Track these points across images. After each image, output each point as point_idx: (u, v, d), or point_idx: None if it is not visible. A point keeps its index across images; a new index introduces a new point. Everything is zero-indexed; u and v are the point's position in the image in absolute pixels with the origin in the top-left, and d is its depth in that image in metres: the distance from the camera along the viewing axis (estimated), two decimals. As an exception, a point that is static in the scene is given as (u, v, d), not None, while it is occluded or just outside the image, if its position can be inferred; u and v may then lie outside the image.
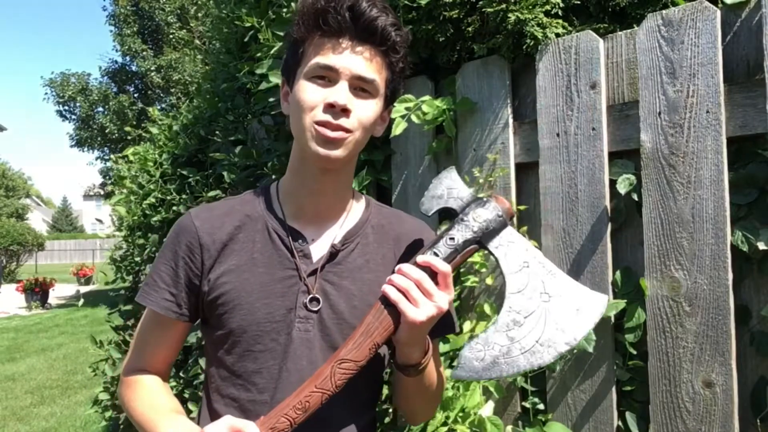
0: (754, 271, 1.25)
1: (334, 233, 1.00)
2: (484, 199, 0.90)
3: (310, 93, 0.90)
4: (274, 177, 2.02)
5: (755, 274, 1.25)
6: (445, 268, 0.85)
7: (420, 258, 0.86)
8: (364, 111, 0.91)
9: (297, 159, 0.98)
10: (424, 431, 1.36)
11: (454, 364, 0.87)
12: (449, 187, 0.94)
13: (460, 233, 0.88)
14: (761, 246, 1.20)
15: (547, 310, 0.85)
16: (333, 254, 0.97)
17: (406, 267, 0.86)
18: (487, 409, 1.40)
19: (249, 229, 0.98)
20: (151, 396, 0.98)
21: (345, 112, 0.89)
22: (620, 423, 1.38)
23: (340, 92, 0.88)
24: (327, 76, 0.90)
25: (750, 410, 1.23)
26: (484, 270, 1.56)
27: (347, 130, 0.90)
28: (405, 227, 1.05)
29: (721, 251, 1.22)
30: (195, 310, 0.99)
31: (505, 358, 0.84)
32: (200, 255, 0.96)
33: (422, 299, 0.84)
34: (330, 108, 0.88)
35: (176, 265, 0.97)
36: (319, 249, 0.98)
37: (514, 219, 1.54)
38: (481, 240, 0.88)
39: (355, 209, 1.04)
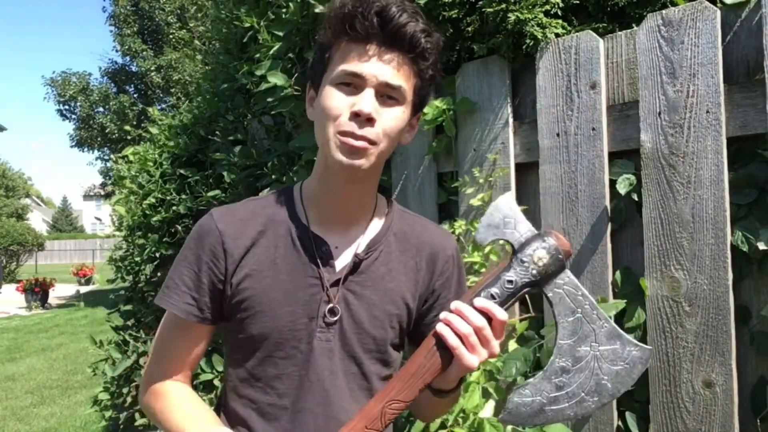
0: (754, 271, 1.25)
1: (358, 241, 0.99)
2: (544, 237, 0.86)
3: (335, 100, 0.88)
4: (273, 177, 2.02)
5: (755, 274, 1.25)
6: (504, 316, 0.83)
7: (479, 302, 0.83)
8: (390, 120, 0.89)
9: (322, 166, 0.96)
10: None
11: (504, 407, 0.87)
12: (506, 216, 0.89)
13: (519, 277, 0.84)
14: (761, 246, 1.20)
15: (595, 359, 0.84)
16: (356, 263, 0.96)
17: (466, 310, 0.83)
18: (487, 410, 1.40)
19: (271, 233, 0.97)
20: (186, 406, 0.95)
21: (370, 121, 0.87)
22: (620, 423, 1.37)
23: (366, 100, 0.86)
24: (353, 83, 0.88)
25: (750, 410, 1.23)
26: (484, 270, 1.56)
27: (371, 142, 0.88)
28: (427, 235, 1.04)
29: (721, 251, 1.22)
30: (218, 313, 0.97)
31: (551, 407, 0.83)
32: (224, 260, 0.94)
33: (479, 346, 0.83)
34: (355, 117, 0.86)
35: (199, 269, 0.95)
36: (342, 257, 0.97)
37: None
38: (539, 283, 0.85)
39: (378, 215, 1.03)
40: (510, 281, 0.84)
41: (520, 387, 0.85)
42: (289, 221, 0.98)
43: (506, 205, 0.91)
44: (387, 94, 0.89)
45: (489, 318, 0.83)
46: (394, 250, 1.00)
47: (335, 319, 0.94)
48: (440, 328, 0.84)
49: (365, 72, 0.87)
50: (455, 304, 0.84)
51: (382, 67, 0.87)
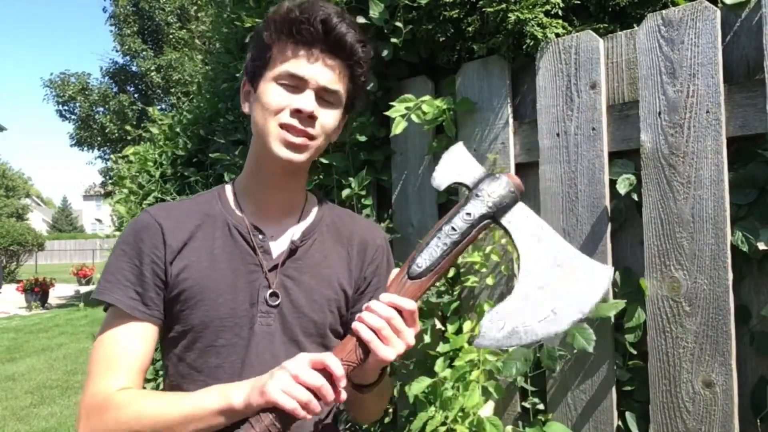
0: (754, 271, 1.25)
1: (293, 230, 1.03)
2: (496, 175, 0.92)
3: (277, 96, 0.93)
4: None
5: (755, 274, 1.25)
6: (411, 306, 0.86)
7: (385, 298, 0.87)
8: (328, 119, 0.96)
9: (255, 159, 1.01)
10: (423, 431, 1.36)
11: (475, 333, 0.89)
12: (461, 161, 0.96)
13: (476, 208, 0.89)
14: (761, 246, 1.20)
15: (560, 280, 0.87)
16: (293, 250, 1.00)
17: (375, 305, 0.86)
18: (487, 410, 1.40)
19: (208, 226, 0.99)
20: (153, 396, 0.89)
21: (311, 119, 0.93)
22: (620, 423, 1.37)
23: (308, 100, 0.92)
24: (295, 83, 0.93)
25: (750, 410, 1.23)
26: (484, 270, 1.56)
27: (311, 137, 0.94)
28: (357, 226, 1.11)
29: (721, 251, 1.22)
30: (162, 310, 0.96)
31: (523, 327, 0.86)
32: (164, 253, 0.95)
33: (393, 337, 0.85)
34: (297, 113, 0.92)
35: (141, 263, 0.94)
36: (278, 245, 1.01)
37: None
38: (495, 214, 0.89)
39: (310, 207, 1.08)
40: (468, 213, 0.89)
41: (491, 311, 0.88)
42: (226, 214, 1.01)
43: (459, 151, 0.97)
44: (324, 98, 0.95)
45: (400, 311, 0.86)
46: (327, 239, 1.05)
47: (277, 302, 0.97)
48: (355, 324, 0.86)
49: (308, 75, 0.92)
50: (367, 303, 0.88)
51: (323, 71, 0.93)
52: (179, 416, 0.83)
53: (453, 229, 0.88)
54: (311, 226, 1.05)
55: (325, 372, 0.81)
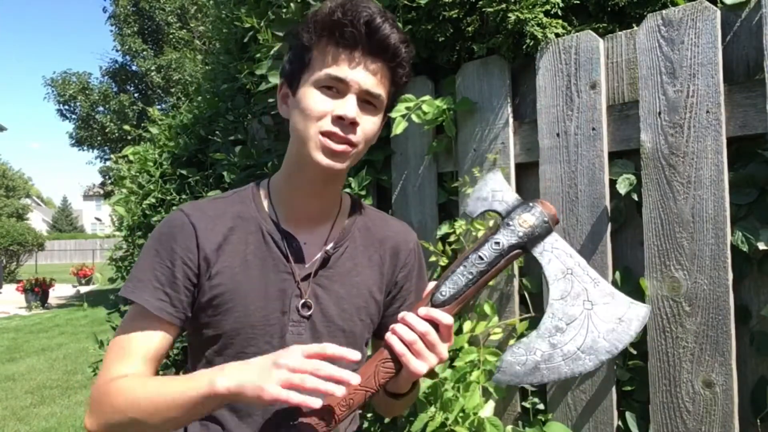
0: (754, 271, 1.25)
1: (326, 236, 1.01)
2: (530, 204, 0.90)
3: (318, 102, 0.90)
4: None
5: (755, 274, 1.25)
6: (449, 320, 0.85)
7: (423, 311, 0.86)
8: (370, 125, 0.93)
9: (294, 163, 0.98)
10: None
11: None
12: (494, 189, 0.94)
13: (506, 238, 0.87)
14: (761, 246, 1.20)
15: (589, 318, 0.85)
16: (326, 259, 0.98)
17: (410, 318, 0.85)
18: (487, 410, 1.40)
19: (241, 230, 0.97)
20: (149, 380, 0.88)
21: (353, 125, 0.90)
22: (620, 423, 1.37)
23: (350, 105, 0.89)
24: (336, 87, 0.90)
25: (750, 410, 1.23)
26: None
27: (352, 144, 0.91)
28: (390, 230, 1.08)
29: (721, 251, 1.22)
30: (189, 311, 0.96)
31: (547, 364, 0.84)
32: (197, 256, 0.94)
33: (425, 351, 0.84)
34: (339, 120, 0.89)
35: (173, 265, 0.93)
36: (311, 252, 0.99)
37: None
38: (526, 245, 0.88)
39: (344, 211, 1.06)
40: (497, 243, 0.87)
41: (513, 346, 0.86)
42: (259, 218, 0.99)
43: (494, 179, 0.95)
44: (367, 101, 0.92)
45: (436, 325, 0.85)
46: (359, 245, 1.03)
47: (309, 313, 0.96)
48: (387, 336, 0.85)
49: (350, 78, 0.89)
50: (401, 314, 0.87)
51: (366, 75, 0.90)
52: (169, 399, 0.82)
53: (480, 258, 0.86)
54: (344, 232, 1.03)
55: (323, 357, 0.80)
